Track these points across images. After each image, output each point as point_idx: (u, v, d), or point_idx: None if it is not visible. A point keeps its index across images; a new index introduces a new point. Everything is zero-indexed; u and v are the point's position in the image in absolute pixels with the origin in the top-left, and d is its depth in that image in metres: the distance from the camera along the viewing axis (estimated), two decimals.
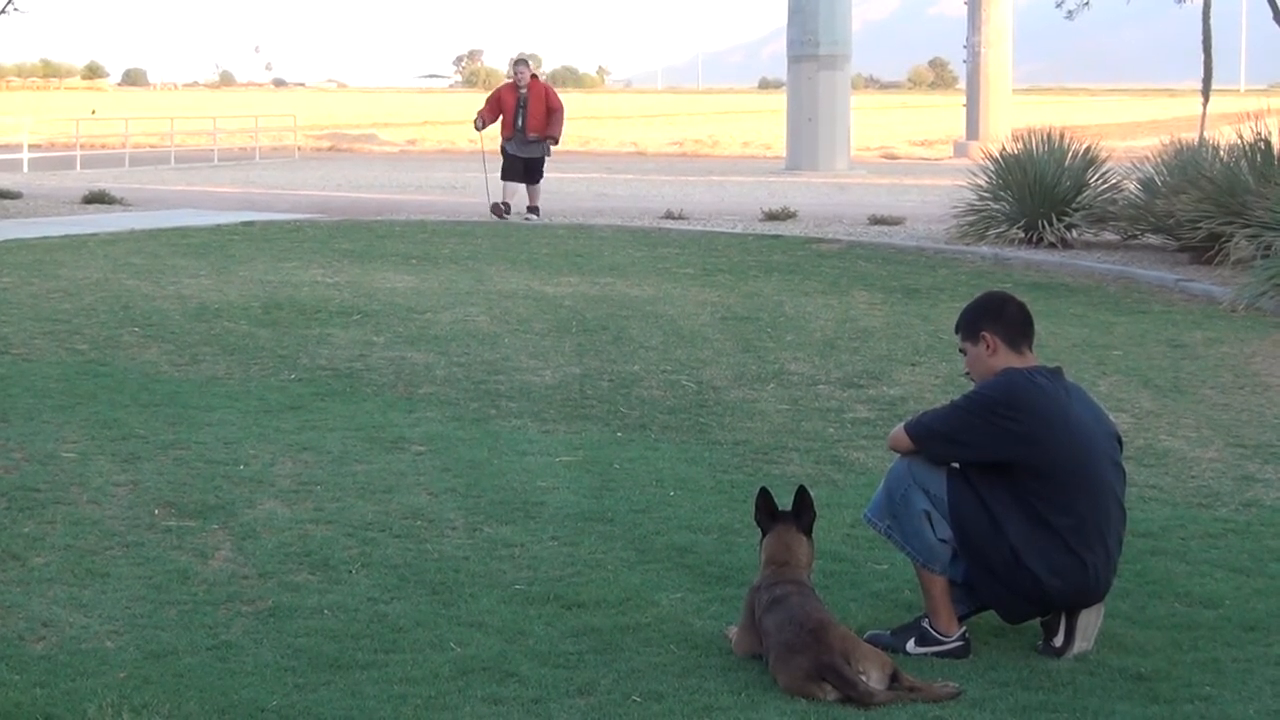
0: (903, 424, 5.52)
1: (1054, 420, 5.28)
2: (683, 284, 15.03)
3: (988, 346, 5.43)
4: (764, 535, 5.44)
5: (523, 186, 21.89)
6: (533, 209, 21.72)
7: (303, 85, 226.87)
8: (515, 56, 23.03)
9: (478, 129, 22.18)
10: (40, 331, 11.64)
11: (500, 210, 21.70)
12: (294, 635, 5.41)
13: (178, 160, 38.40)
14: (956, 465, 5.39)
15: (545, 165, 22.25)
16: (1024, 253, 17.77)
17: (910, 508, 5.34)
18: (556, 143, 22.31)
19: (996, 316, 5.47)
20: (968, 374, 5.60)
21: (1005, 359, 5.41)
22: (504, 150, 21.99)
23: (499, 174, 22.13)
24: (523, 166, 21.79)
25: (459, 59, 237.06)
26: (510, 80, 22.14)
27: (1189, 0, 26.72)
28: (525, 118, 21.50)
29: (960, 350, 5.58)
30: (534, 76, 22.06)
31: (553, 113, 21.71)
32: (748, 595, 5.34)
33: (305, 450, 8.06)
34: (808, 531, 5.41)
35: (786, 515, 5.42)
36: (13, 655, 5.17)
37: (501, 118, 21.78)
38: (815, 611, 5.06)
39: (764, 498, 5.48)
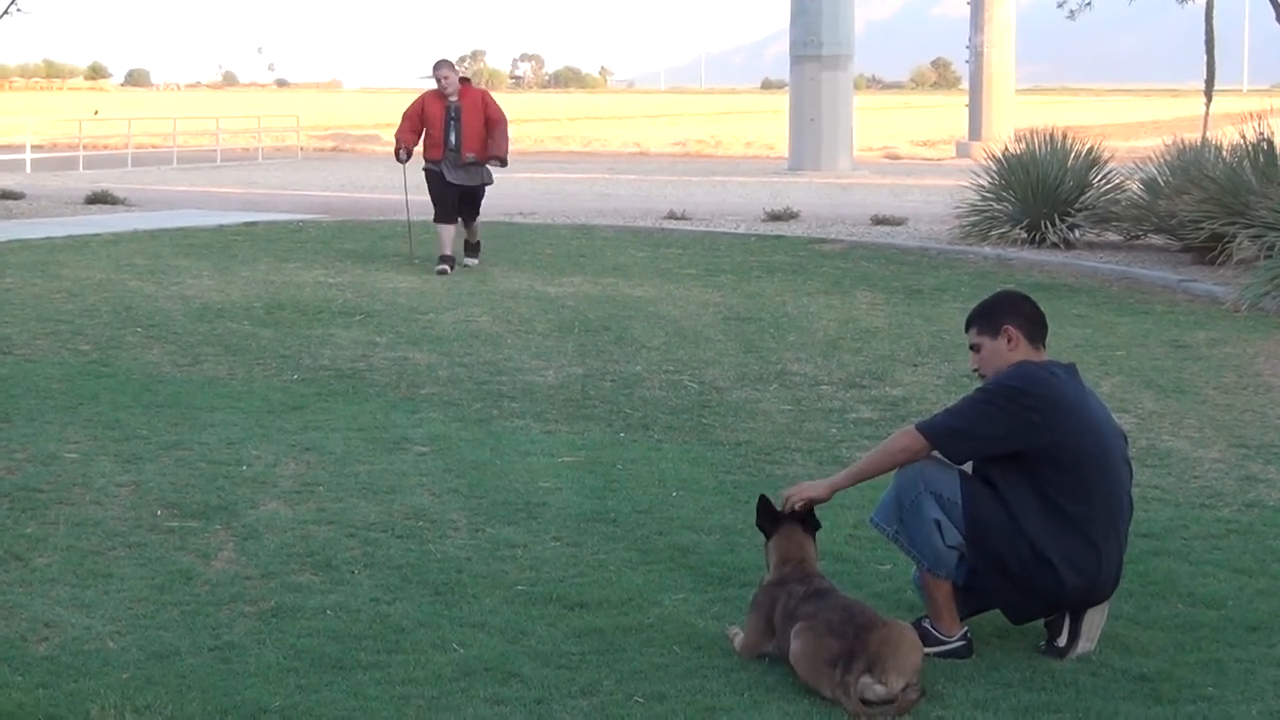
0: (905, 433, 5.40)
1: (1072, 410, 5.27)
2: (685, 284, 15.03)
3: (1009, 340, 5.40)
4: (768, 539, 5.44)
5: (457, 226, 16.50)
6: (473, 247, 16.73)
7: (306, 85, 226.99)
8: (438, 59, 16.45)
9: (400, 161, 16.75)
10: (43, 332, 11.64)
11: (448, 267, 16.13)
12: (296, 636, 5.41)
13: (180, 161, 38.43)
14: (967, 468, 5.37)
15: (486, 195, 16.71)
16: (1026, 253, 17.76)
17: (920, 515, 5.30)
18: (505, 164, 16.61)
19: (1017, 311, 5.46)
20: (976, 371, 5.53)
21: (1024, 354, 5.40)
22: (430, 174, 16.46)
23: (430, 214, 16.68)
24: (457, 199, 16.29)
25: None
26: (435, 88, 16.30)
27: (1191, 0, 26.73)
28: (459, 134, 16.07)
29: (972, 347, 5.51)
30: (466, 81, 16.37)
31: (494, 126, 16.15)
32: (759, 593, 5.31)
33: (308, 451, 8.06)
34: (812, 533, 5.43)
35: (790, 517, 5.43)
36: (15, 656, 5.17)
37: (426, 134, 16.31)
38: (868, 611, 5.03)
39: (764, 504, 5.50)
